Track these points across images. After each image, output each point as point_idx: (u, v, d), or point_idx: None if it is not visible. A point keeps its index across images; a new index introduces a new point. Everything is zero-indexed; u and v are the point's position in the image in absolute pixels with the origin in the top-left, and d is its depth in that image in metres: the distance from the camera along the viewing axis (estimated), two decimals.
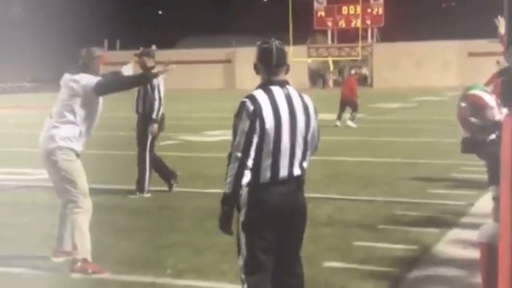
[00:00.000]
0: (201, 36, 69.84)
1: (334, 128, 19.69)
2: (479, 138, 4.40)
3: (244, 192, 4.11)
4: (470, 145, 4.14)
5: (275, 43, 4.21)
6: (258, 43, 4.29)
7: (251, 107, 4.04)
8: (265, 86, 4.16)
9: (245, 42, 59.64)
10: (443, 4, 73.82)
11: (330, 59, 59.80)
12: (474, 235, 4.97)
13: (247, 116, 4.02)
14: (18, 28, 69.83)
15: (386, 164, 12.31)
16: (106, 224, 7.13)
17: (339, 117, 20.66)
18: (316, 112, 4.28)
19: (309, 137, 4.23)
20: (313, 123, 4.24)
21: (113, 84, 6.26)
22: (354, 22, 58.88)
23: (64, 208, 6.11)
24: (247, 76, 68.55)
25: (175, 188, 9.63)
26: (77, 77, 6.04)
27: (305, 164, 4.23)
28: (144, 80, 6.32)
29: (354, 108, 20.80)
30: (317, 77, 61.63)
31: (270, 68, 4.17)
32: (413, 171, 11.18)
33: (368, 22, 59.11)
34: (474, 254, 5.24)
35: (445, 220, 7.61)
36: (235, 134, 4.06)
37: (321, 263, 6.14)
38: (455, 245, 6.59)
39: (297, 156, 4.17)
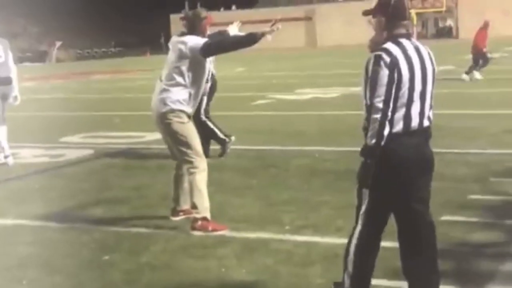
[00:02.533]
0: None
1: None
2: None
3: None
4: None
5: None
6: None
7: (388, 59, 4.08)
8: (394, 39, 4.19)
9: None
10: None
11: (413, 12, 58.34)
12: None
13: (386, 67, 4.08)
14: None
15: (491, 116, 12.02)
16: (216, 184, 7.21)
17: (470, 71, 19.98)
18: (435, 65, 4.30)
19: (434, 90, 4.29)
20: (435, 76, 4.29)
21: (220, 45, 6.27)
22: None
23: (179, 169, 6.22)
24: (328, 34, 68.06)
25: (277, 147, 9.67)
26: (184, 38, 6.08)
27: (431, 115, 4.26)
28: (252, 39, 6.25)
29: (485, 60, 20.25)
30: None
31: (400, 21, 4.22)
32: None
33: None
34: None
35: None
36: (372, 86, 4.09)
37: (439, 217, 6.04)
38: None
39: (426, 107, 4.21)
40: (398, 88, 4.12)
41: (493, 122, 11.18)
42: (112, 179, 8.30)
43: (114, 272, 4.99)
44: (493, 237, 5.48)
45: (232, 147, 9.44)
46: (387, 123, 4.08)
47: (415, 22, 60.60)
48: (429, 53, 4.28)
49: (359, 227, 4.27)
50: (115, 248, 5.56)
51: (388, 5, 4.22)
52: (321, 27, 64.50)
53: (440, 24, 60.88)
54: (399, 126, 4.17)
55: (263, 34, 6.22)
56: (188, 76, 6.05)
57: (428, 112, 4.25)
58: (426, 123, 4.24)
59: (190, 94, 6.06)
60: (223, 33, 6.89)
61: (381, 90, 4.08)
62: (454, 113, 12.52)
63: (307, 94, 18.02)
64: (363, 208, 4.24)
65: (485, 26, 21.01)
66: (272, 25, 6.34)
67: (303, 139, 10.50)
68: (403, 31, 4.24)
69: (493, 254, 5.14)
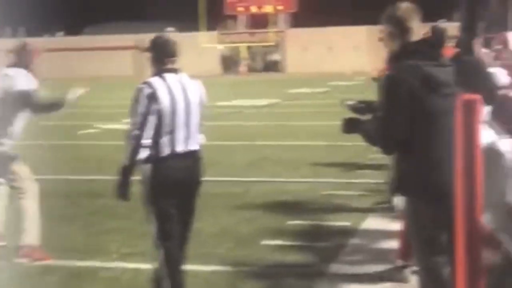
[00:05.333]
0: (108, 22, 68.62)
1: (251, 114, 20.08)
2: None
3: (146, 167, 4.72)
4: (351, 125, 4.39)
5: (169, 35, 4.99)
6: (153, 36, 4.98)
7: (148, 91, 4.62)
8: (160, 73, 4.77)
9: (155, 29, 59.21)
10: None
11: (242, 45, 60.08)
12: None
13: (144, 98, 4.61)
14: None
15: (308, 147, 12.76)
16: (42, 212, 7.17)
17: None
18: (204, 95, 4.95)
19: (201, 117, 4.88)
20: (203, 105, 4.90)
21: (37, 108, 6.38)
22: (265, 7, 59.32)
23: (6, 194, 6.18)
24: None
25: (105, 176, 9.71)
26: (9, 72, 6.14)
27: (200, 140, 4.92)
28: (58, 107, 6.33)
29: None
30: (231, 63, 61.84)
31: (165, 58, 4.81)
32: (335, 153, 11.66)
33: (280, 7, 59.66)
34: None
35: (373, 198, 8.06)
36: (132, 115, 4.65)
37: (259, 241, 6.50)
38: (382, 219, 7.05)
39: (192, 133, 4.80)
40: (159, 116, 4.64)
41: (315, 153, 11.91)
42: None
43: None
44: (307, 259, 5.96)
45: (59, 176, 9.40)
46: (141, 148, 4.63)
47: (244, 55, 62.55)
48: (196, 86, 4.87)
49: (158, 246, 4.74)
50: None
51: (155, 44, 4.86)
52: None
53: (268, 58, 63.10)
54: (166, 150, 4.71)
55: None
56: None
57: (195, 138, 4.83)
58: (193, 147, 4.83)
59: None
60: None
61: (138, 119, 4.61)
62: (280, 144, 13.19)
63: None
64: (153, 228, 4.74)
65: None
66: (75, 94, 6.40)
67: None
68: (169, 66, 4.81)
69: (307, 273, 5.60)
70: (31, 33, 58.34)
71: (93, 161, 11.52)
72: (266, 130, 15.77)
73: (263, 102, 24.57)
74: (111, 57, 61.51)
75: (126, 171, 4.64)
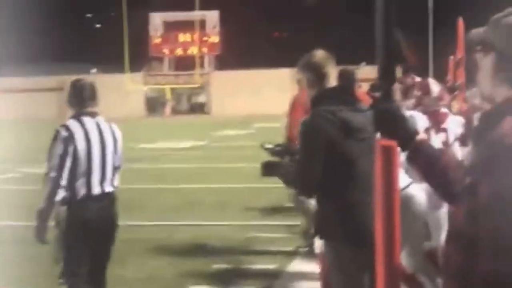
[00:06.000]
0: (26, 63, 67.17)
1: (176, 156, 20.01)
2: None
3: (61, 209, 4.79)
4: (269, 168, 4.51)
5: (87, 79, 5.11)
6: (72, 80, 5.11)
7: (65, 134, 4.75)
8: (77, 117, 4.91)
9: (77, 70, 58.68)
10: (275, 33, 76.68)
11: (167, 87, 60.08)
12: None
13: (61, 141, 4.73)
14: None
15: (233, 190, 12.79)
16: None
17: None
18: (120, 139, 5.08)
19: (117, 159, 5.00)
20: (120, 148, 5.03)
21: None
22: (190, 50, 59.65)
23: None
24: None
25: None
26: None
27: (116, 182, 5.03)
28: None
29: None
30: (156, 105, 61.60)
31: (83, 102, 4.95)
32: (260, 195, 11.74)
33: (205, 50, 60.12)
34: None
35: (298, 240, 8.14)
36: (49, 158, 4.73)
37: (184, 286, 6.48)
38: (308, 261, 7.13)
39: (107, 175, 4.91)
40: (76, 159, 4.77)
41: (240, 195, 11.95)
42: None
43: None
44: None
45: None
46: (59, 190, 4.70)
47: (169, 96, 62.46)
48: (111, 129, 5.00)
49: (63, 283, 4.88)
50: None
51: (74, 87, 5.01)
52: None
53: (194, 100, 63.23)
54: (82, 192, 4.82)
55: None
56: None
57: (110, 179, 4.94)
58: (108, 189, 4.94)
59: None
60: None
61: (55, 161, 4.71)
62: (205, 187, 13.19)
63: None
64: (61, 265, 4.85)
65: None
66: None
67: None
68: (87, 109, 4.95)
69: None
70: None
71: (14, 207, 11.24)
72: (191, 173, 15.73)
73: (188, 144, 24.57)
74: (32, 99, 60.30)
75: (43, 215, 4.69)
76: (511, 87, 2.29)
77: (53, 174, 4.68)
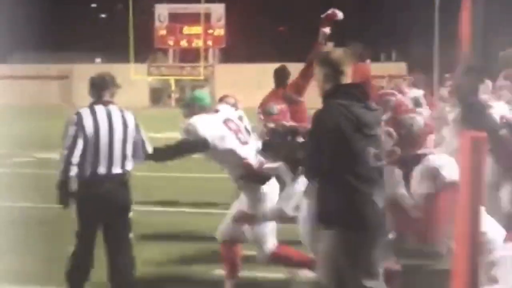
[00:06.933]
0: (33, 51, 67.28)
1: None
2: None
3: (75, 184, 5.40)
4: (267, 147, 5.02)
5: (103, 73, 5.76)
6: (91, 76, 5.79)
7: (77, 118, 5.48)
8: (91, 105, 5.63)
9: (83, 59, 58.60)
10: (280, 28, 76.68)
11: (171, 78, 60.05)
12: None
13: (72, 125, 5.45)
14: None
15: None
16: None
17: None
18: (137, 126, 5.73)
19: (128, 145, 5.54)
20: (133, 134, 5.60)
21: None
22: (195, 42, 59.56)
23: None
24: (84, 93, 67.41)
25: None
26: None
27: (127, 166, 5.56)
28: None
29: None
30: (160, 95, 61.55)
31: (97, 92, 5.71)
32: None
33: (210, 42, 60.05)
34: None
35: None
36: (63, 138, 5.46)
37: (212, 270, 6.71)
38: None
39: (115, 158, 5.45)
40: (85, 141, 5.40)
41: None
42: None
43: None
44: None
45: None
46: (71, 167, 5.37)
47: (173, 88, 62.43)
48: (123, 117, 5.62)
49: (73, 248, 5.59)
50: None
51: (91, 79, 5.76)
52: (77, 86, 63.69)
53: None
54: (88, 172, 5.43)
55: None
56: None
57: (119, 162, 5.48)
58: (116, 170, 5.48)
59: None
60: None
61: (67, 142, 5.42)
62: (215, 176, 13.27)
63: None
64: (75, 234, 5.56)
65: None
66: None
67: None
68: (101, 99, 5.69)
69: None
70: None
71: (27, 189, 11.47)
72: (198, 162, 15.86)
73: None
74: (37, 87, 60.38)
75: (62, 185, 5.38)
76: None
77: (65, 152, 5.37)
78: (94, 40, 68.66)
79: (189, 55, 60.74)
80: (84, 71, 72.72)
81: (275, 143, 5.45)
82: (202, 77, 58.53)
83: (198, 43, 59.29)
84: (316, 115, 4.54)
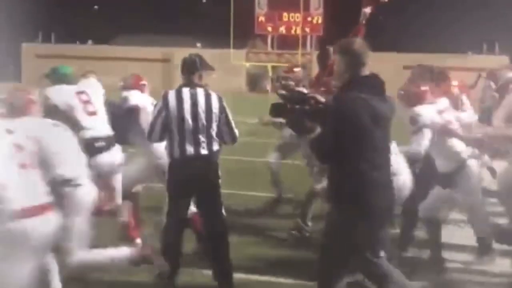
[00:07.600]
0: (137, 34, 69.00)
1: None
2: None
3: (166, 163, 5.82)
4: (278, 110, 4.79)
5: (192, 56, 6.00)
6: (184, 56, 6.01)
7: (164, 101, 5.77)
8: (178, 87, 5.86)
9: (184, 43, 59.61)
10: (380, 17, 75.83)
11: (269, 65, 60.52)
12: None
13: (158, 106, 5.72)
14: None
15: None
16: None
17: None
18: (223, 108, 5.76)
19: (214, 126, 5.70)
20: (218, 116, 5.73)
21: None
22: (294, 29, 59.77)
23: None
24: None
25: None
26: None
27: (214, 147, 5.75)
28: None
29: None
30: (258, 81, 62.08)
31: (185, 74, 5.93)
32: None
33: (308, 30, 60.16)
34: None
35: None
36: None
37: (246, 249, 7.43)
38: None
39: (201, 140, 5.68)
40: (168, 119, 5.67)
41: None
42: None
43: None
44: None
45: None
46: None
47: (270, 74, 62.71)
48: (208, 99, 5.73)
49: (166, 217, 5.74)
50: None
51: (182, 62, 5.97)
52: (178, 69, 64.60)
53: None
54: (176, 152, 5.70)
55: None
56: None
57: (205, 143, 5.69)
58: (203, 151, 5.70)
59: None
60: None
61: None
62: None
63: None
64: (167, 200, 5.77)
65: None
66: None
67: None
68: (188, 82, 5.88)
69: None
70: (62, 39, 59.17)
71: None
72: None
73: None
74: (139, 68, 61.77)
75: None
76: None
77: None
78: (195, 26, 69.86)
79: (287, 42, 60.92)
80: (185, 55, 73.43)
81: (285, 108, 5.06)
82: (299, 64, 58.48)
83: (297, 30, 59.44)
84: (336, 106, 4.54)
